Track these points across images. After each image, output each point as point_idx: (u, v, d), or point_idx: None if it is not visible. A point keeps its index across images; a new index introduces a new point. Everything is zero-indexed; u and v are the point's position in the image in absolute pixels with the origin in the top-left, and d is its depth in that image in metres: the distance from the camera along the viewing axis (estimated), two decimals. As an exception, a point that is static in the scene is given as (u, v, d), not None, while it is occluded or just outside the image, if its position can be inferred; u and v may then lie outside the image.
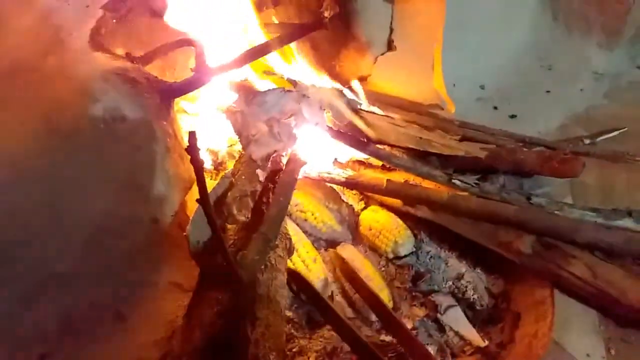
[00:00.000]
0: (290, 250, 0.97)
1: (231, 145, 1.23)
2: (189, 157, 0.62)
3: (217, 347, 0.75)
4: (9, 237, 0.84)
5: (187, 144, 0.66)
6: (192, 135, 0.71)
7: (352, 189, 1.16)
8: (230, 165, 1.15)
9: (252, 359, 0.74)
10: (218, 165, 1.21)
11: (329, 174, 1.12)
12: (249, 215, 0.94)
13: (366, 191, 1.14)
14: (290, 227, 1.05)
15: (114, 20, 1.10)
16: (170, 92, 0.93)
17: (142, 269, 0.93)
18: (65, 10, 1.06)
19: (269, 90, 1.01)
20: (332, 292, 1.01)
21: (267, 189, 1.01)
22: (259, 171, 0.98)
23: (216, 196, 0.92)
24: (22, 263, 0.85)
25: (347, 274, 1.03)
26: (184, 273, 0.96)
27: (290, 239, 0.97)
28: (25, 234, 0.84)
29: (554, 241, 0.93)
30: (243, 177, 0.96)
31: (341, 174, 1.12)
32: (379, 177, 1.09)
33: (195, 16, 1.06)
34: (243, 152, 1.02)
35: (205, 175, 0.82)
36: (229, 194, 0.93)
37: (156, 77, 0.95)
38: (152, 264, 0.95)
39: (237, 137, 1.05)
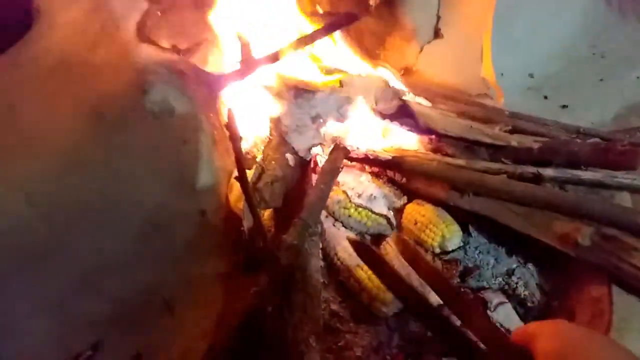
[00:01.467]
0: (322, 235, 0.96)
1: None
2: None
3: (255, 332, 0.75)
4: (62, 227, 0.85)
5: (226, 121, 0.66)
6: (230, 112, 0.71)
7: (396, 171, 1.11)
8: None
9: (292, 344, 0.75)
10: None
11: (374, 151, 1.08)
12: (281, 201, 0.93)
13: (412, 173, 1.08)
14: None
15: (159, 13, 1.09)
16: (218, 84, 0.93)
17: (190, 260, 0.94)
18: (111, 3, 1.07)
19: (318, 89, 1.00)
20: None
21: (302, 175, 1.01)
22: (288, 155, 0.98)
23: (251, 182, 0.92)
24: (76, 252, 0.87)
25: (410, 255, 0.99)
26: (231, 264, 0.96)
27: (322, 223, 0.97)
28: (78, 224, 0.86)
29: (614, 232, 0.89)
30: (273, 162, 0.96)
31: (387, 152, 1.08)
32: (428, 156, 1.06)
33: (240, 8, 1.05)
34: (271, 137, 1.01)
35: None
36: (260, 179, 0.93)
37: (203, 69, 0.95)
38: (200, 255, 0.95)
39: (275, 122, 1.03)
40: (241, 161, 0.65)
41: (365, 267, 0.92)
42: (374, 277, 0.88)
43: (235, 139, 0.63)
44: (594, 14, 1.29)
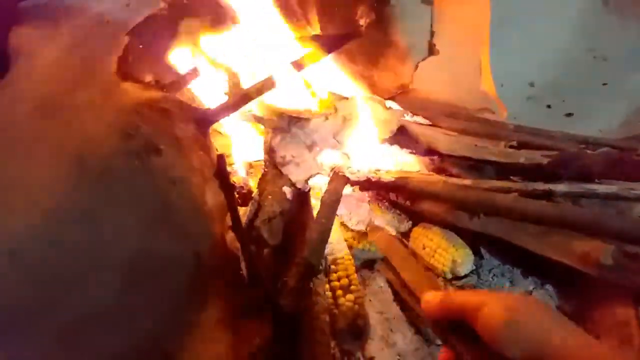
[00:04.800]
0: (327, 271, 0.91)
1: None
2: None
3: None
4: (49, 284, 0.80)
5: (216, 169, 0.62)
6: (220, 158, 0.67)
7: (399, 194, 1.07)
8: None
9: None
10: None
11: (377, 173, 1.02)
12: (281, 238, 0.88)
13: (417, 195, 1.03)
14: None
15: (141, 46, 1.05)
16: (206, 120, 0.88)
17: (187, 307, 0.88)
18: (91, 40, 1.03)
19: (313, 116, 0.95)
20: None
21: (301, 209, 0.96)
22: (285, 188, 0.93)
23: (247, 220, 0.88)
24: (64, 309, 0.81)
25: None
26: (232, 309, 0.91)
27: (325, 258, 0.92)
28: (64, 280, 0.80)
29: (637, 249, 0.84)
30: (270, 196, 0.91)
31: (390, 174, 1.03)
32: (433, 177, 1.01)
33: (226, 37, 1.01)
34: (266, 169, 0.96)
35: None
36: (257, 216, 0.88)
37: (189, 104, 0.90)
38: (197, 301, 0.90)
39: (269, 153, 0.98)
40: (235, 210, 0.61)
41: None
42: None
43: (227, 187, 0.58)
44: (591, 16, 1.24)
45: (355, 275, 0.93)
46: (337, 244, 0.96)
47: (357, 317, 0.89)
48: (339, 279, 0.92)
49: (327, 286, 0.92)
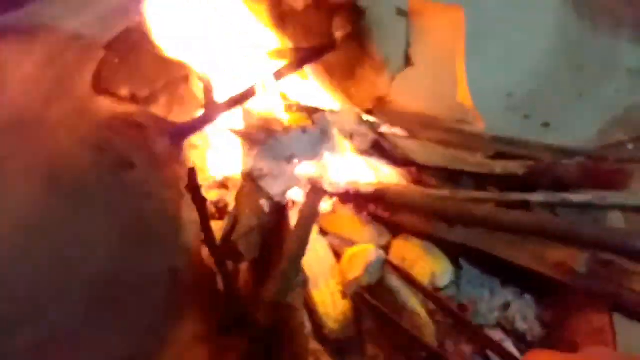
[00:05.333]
0: (305, 283, 0.90)
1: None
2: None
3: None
4: (11, 296, 0.78)
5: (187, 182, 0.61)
6: (191, 172, 0.66)
7: (378, 204, 1.06)
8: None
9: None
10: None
11: (355, 184, 1.01)
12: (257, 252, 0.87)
13: (397, 206, 1.03)
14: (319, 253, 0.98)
15: (116, 60, 1.04)
16: (180, 133, 0.87)
17: (164, 324, 0.87)
18: (66, 55, 1.02)
19: (290, 128, 0.95)
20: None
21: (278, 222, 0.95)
22: (263, 201, 0.92)
23: (224, 234, 0.87)
24: (28, 322, 0.80)
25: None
26: (209, 325, 0.90)
27: (303, 271, 0.90)
28: (30, 291, 0.79)
29: (610, 256, 0.84)
30: (247, 210, 0.90)
31: (369, 185, 1.02)
32: (411, 188, 1.01)
33: (201, 47, 1.01)
34: (244, 183, 0.95)
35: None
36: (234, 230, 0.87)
37: (164, 118, 0.90)
38: (173, 317, 0.89)
39: (246, 167, 0.98)
40: (207, 225, 0.60)
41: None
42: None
43: (198, 201, 0.58)
44: (566, 26, 1.26)
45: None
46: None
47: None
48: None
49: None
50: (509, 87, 1.23)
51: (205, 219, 0.63)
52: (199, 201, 0.62)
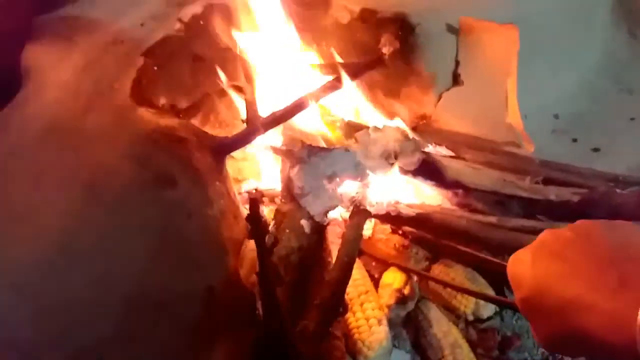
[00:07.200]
0: (344, 310, 0.86)
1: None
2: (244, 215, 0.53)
3: None
4: (49, 313, 0.76)
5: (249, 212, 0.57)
6: (253, 202, 0.63)
7: (420, 229, 1.02)
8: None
9: None
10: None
11: (396, 206, 0.97)
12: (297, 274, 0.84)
13: (440, 232, 0.99)
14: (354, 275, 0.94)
15: (155, 68, 1.02)
16: (222, 149, 0.84)
17: (198, 345, 0.84)
18: (105, 60, 1.00)
19: (333, 146, 0.91)
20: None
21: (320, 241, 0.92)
22: (303, 222, 0.88)
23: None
24: (64, 339, 0.77)
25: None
26: (244, 347, 0.87)
27: (347, 304, 0.88)
28: (69, 316, 0.76)
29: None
30: (287, 230, 0.87)
31: (411, 207, 0.98)
32: (457, 213, 0.96)
33: (245, 60, 0.98)
34: (283, 201, 0.92)
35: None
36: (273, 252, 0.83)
37: (206, 132, 0.86)
38: (209, 338, 0.85)
39: (287, 185, 0.94)
40: (266, 260, 0.57)
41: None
42: None
43: (258, 234, 0.54)
44: (617, 48, 1.21)
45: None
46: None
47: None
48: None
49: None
50: (556, 108, 1.19)
51: (263, 253, 0.60)
52: (259, 235, 0.58)
